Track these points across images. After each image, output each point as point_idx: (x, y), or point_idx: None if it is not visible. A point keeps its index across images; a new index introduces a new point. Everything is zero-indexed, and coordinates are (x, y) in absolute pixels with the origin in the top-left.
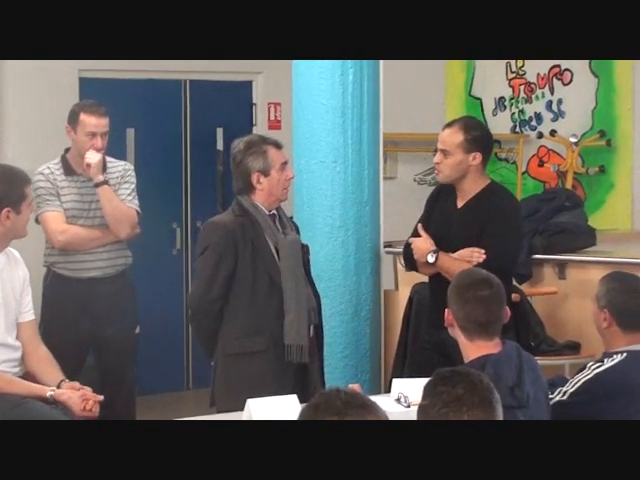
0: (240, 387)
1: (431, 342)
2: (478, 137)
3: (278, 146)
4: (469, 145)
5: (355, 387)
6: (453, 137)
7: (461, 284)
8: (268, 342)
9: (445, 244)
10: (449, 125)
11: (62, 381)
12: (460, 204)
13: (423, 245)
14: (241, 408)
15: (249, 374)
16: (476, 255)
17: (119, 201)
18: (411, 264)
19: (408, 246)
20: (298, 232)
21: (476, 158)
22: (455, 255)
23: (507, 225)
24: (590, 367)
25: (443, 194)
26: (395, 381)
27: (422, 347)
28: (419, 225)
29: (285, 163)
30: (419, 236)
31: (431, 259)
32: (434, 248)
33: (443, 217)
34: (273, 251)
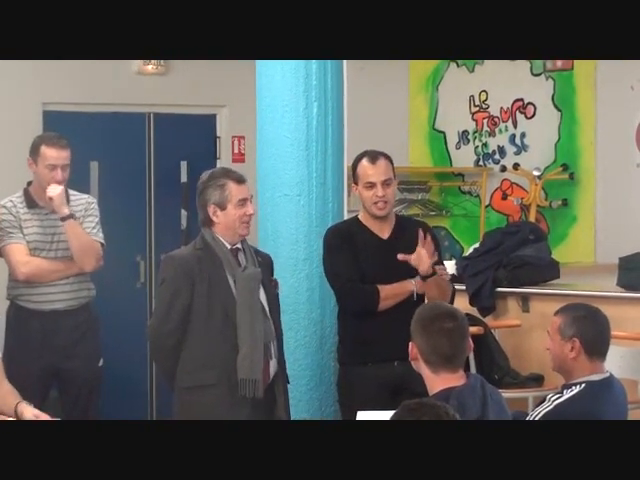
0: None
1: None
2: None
3: (240, 181)
4: (393, 173)
5: None
6: (389, 167)
7: (425, 317)
8: (220, 376)
9: (387, 274)
10: (375, 158)
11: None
12: (385, 235)
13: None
14: None
15: (200, 408)
16: (443, 271)
17: (85, 234)
18: (366, 304)
19: (350, 285)
20: (272, 265)
21: (396, 184)
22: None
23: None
24: (550, 399)
25: (345, 233)
26: (360, 414)
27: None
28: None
29: (245, 199)
30: (354, 280)
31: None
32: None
33: (369, 252)
34: (231, 285)
